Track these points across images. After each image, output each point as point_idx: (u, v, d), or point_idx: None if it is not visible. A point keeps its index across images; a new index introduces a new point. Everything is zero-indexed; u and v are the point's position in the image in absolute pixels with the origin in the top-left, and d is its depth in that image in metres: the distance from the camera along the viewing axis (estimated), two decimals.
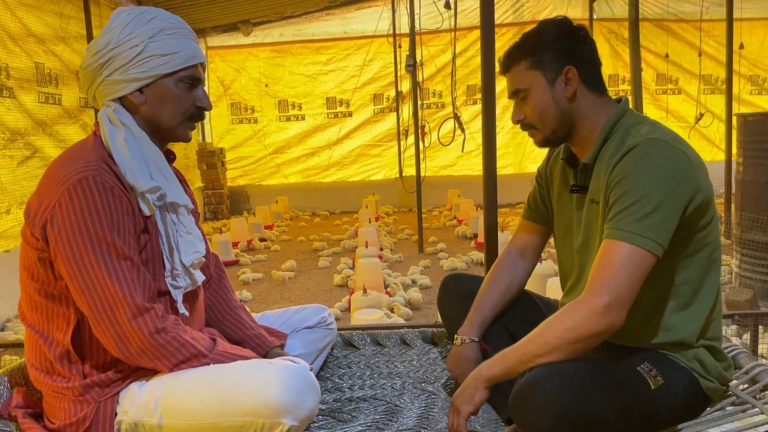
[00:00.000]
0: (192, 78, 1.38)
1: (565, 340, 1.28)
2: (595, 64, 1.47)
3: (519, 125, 1.53)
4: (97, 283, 1.23)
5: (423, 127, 5.97)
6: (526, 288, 1.80)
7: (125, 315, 1.24)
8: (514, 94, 1.50)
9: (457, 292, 1.87)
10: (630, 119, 1.44)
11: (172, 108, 1.37)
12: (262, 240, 6.98)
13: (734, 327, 3.06)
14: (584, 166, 1.48)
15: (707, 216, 1.36)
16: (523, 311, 1.74)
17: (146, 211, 1.32)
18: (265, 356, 1.60)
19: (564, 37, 1.44)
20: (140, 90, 1.35)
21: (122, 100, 1.36)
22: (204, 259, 1.49)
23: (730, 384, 1.47)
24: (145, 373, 1.36)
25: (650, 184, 1.28)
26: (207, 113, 1.51)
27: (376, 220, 7.60)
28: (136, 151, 1.33)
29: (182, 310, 1.40)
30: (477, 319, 1.70)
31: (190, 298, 1.46)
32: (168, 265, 1.38)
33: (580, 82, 1.44)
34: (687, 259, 1.37)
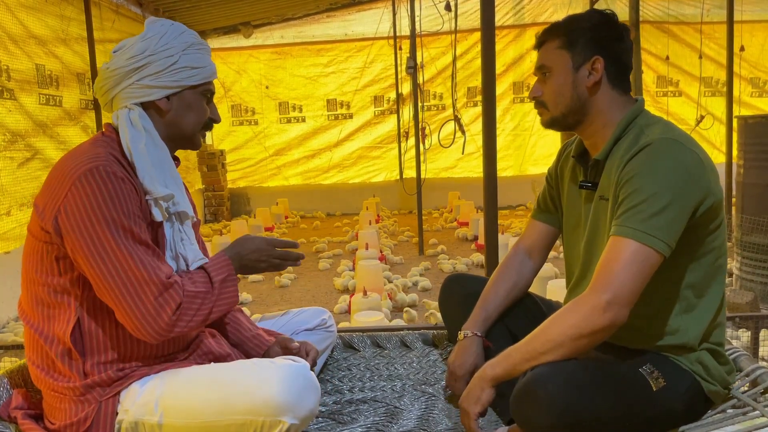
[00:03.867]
0: (210, 92, 1.48)
1: (567, 336, 1.27)
2: (625, 63, 1.47)
3: (533, 102, 1.54)
4: (120, 265, 1.25)
5: (423, 129, 5.97)
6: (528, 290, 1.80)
7: (151, 294, 1.26)
8: (538, 69, 1.51)
9: (459, 293, 1.87)
10: (645, 119, 1.44)
11: (194, 117, 1.44)
12: None
13: (743, 332, 3.05)
14: (595, 162, 1.48)
15: (716, 220, 1.35)
16: (525, 312, 1.74)
17: (158, 217, 1.34)
18: (264, 354, 1.61)
19: (603, 28, 1.45)
20: (167, 97, 1.40)
21: (145, 105, 1.40)
22: None
23: (731, 386, 1.47)
24: (146, 371, 1.36)
25: (661, 184, 1.27)
26: None
27: (377, 222, 7.60)
28: (155, 158, 1.37)
29: None
30: (481, 315, 1.70)
31: None
32: (174, 268, 1.41)
33: (604, 75, 1.44)
34: (693, 263, 1.36)
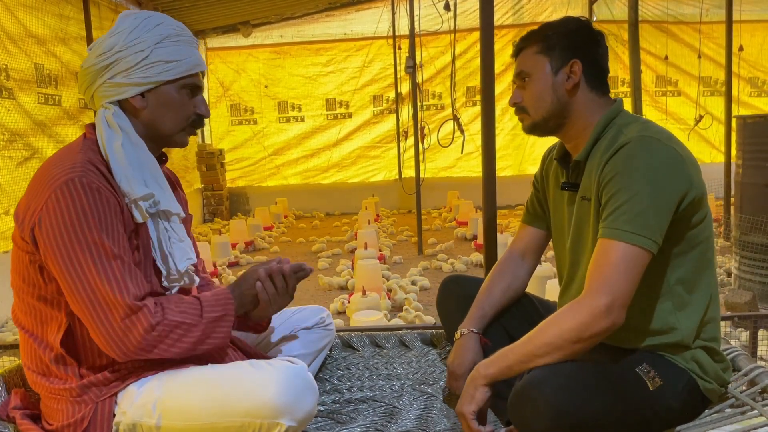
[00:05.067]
0: (194, 86, 1.40)
1: (566, 340, 1.28)
2: (602, 66, 1.49)
3: (514, 108, 1.55)
4: (88, 284, 1.23)
5: (422, 128, 5.97)
6: (525, 290, 1.80)
7: (118, 316, 1.23)
8: (517, 75, 1.53)
9: (456, 294, 1.87)
10: (623, 119, 1.45)
11: (174, 114, 1.38)
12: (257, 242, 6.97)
13: (741, 332, 3.05)
14: (576, 164, 1.50)
15: (700, 213, 1.36)
16: (522, 313, 1.75)
17: (139, 219, 1.31)
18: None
19: (579, 33, 1.48)
20: (142, 94, 1.35)
21: (122, 104, 1.36)
22: (194, 267, 1.49)
23: (729, 386, 1.47)
24: (144, 373, 1.35)
25: (642, 181, 1.29)
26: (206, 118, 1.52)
27: (376, 221, 7.60)
28: (133, 157, 1.33)
29: None
30: (476, 314, 1.71)
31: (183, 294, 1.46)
32: (164, 271, 1.39)
33: (582, 78, 1.46)
34: (679, 258, 1.37)
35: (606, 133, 1.44)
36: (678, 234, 1.35)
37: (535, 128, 1.53)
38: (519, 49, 1.54)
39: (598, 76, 1.48)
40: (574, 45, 1.46)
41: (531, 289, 1.84)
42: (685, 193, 1.31)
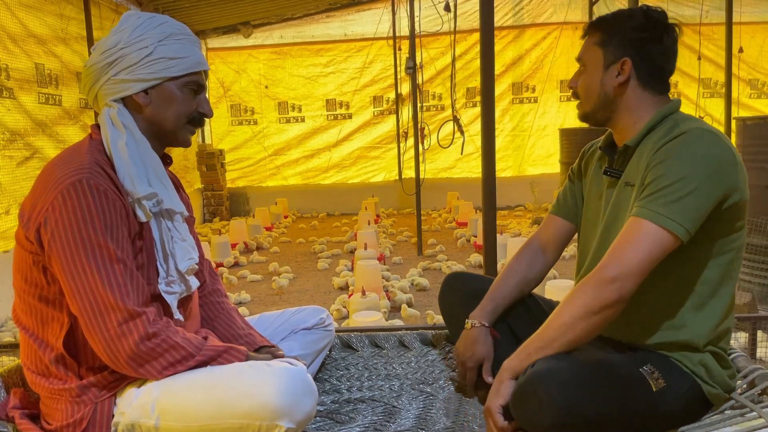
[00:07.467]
0: (196, 84, 1.41)
1: (578, 317, 1.28)
2: (660, 64, 1.46)
3: (570, 91, 1.58)
4: (89, 287, 1.23)
5: (422, 129, 5.97)
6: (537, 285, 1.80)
7: (115, 320, 1.23)
8: (578, 60, 1.55)
9: (459, 290, 1.87)
10: (681, 116, 1.45)
11: (176, 111, 1.39)
12: (258, 248, 6.97)
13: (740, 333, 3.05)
14: (625, 148, 1.48)
15: (740, 221, 1.37)
16: (527, 312, 1.75)
17: (142, 218, 1.32)
18: (256, 351, 1.58)
19: (640, 29, 1.45)
20: (146, 91, 1.36)
21: (125, 101, 1.37)
22: (197, 266, 1.48)
23: (733, 390, 1.47)
24: None
25: (690, 169, 1.28)
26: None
27: (376, 222, 7.60)
28: (136, 155, 1.33)
29: (177, 315, 1.40)
30: (489, 305, 1.72)
31: (184, 302, 1.46)
32: (162, 272, 1.38)
33: (633, 77, 1.45)
34: (712, 259, 1.37)
35: (662, 124, 1.43)
36: (716, 234, 1.35)
37: (586, 118, 1.55)
38: (586, 33, 1.54)
39: (653, 74, 1.46)
40: (630, 41, 1.44)
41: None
42: (730, 193, 1.31)
